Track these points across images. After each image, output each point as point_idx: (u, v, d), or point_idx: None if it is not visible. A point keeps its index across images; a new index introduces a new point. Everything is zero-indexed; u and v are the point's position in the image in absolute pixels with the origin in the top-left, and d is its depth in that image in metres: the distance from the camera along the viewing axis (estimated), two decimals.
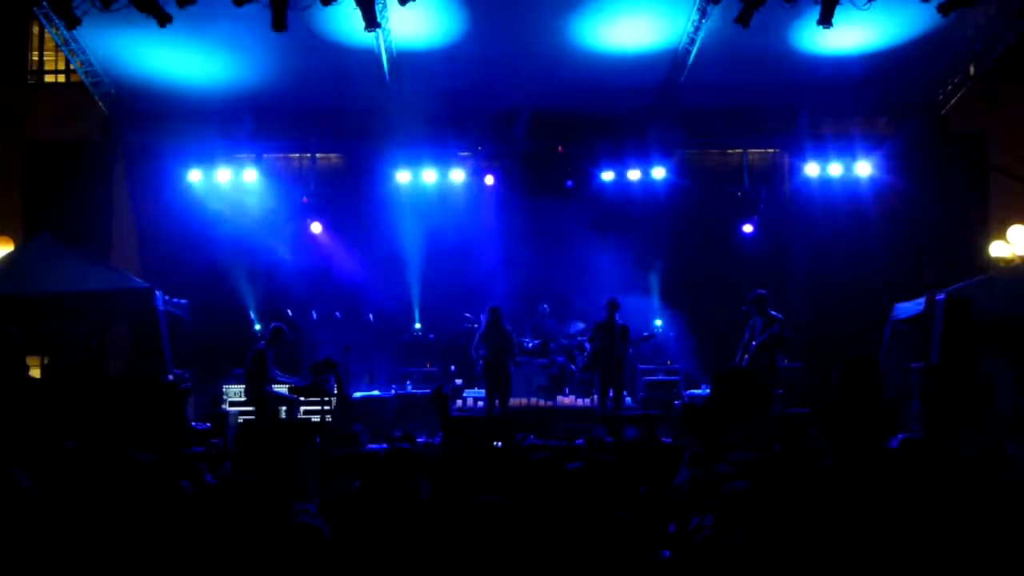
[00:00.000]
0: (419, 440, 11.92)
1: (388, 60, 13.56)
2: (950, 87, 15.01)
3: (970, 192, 15.79)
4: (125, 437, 9.56)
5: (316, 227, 15.63)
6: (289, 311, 14.98)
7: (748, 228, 15.57)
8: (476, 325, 14.13)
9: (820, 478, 4.20)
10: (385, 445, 11.13)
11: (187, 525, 3.59)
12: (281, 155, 16.34)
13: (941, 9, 11.53)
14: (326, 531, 3.56)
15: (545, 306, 15.31)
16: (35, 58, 16.82)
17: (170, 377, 11.94)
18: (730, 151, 16.28)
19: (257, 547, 3.37)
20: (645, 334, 14.01)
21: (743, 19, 11.80)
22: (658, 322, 15.21)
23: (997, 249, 14.93)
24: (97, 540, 3.67)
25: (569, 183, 15.69)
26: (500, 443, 10.99)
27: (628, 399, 13.76)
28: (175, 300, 13.27)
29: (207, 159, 15.52)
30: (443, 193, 15.83)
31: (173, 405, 11.25)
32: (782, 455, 9.53)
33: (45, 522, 3.91)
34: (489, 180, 15.69)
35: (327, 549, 3.49)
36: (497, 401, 13.16)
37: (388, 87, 14.25)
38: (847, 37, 12.80)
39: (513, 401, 13.50)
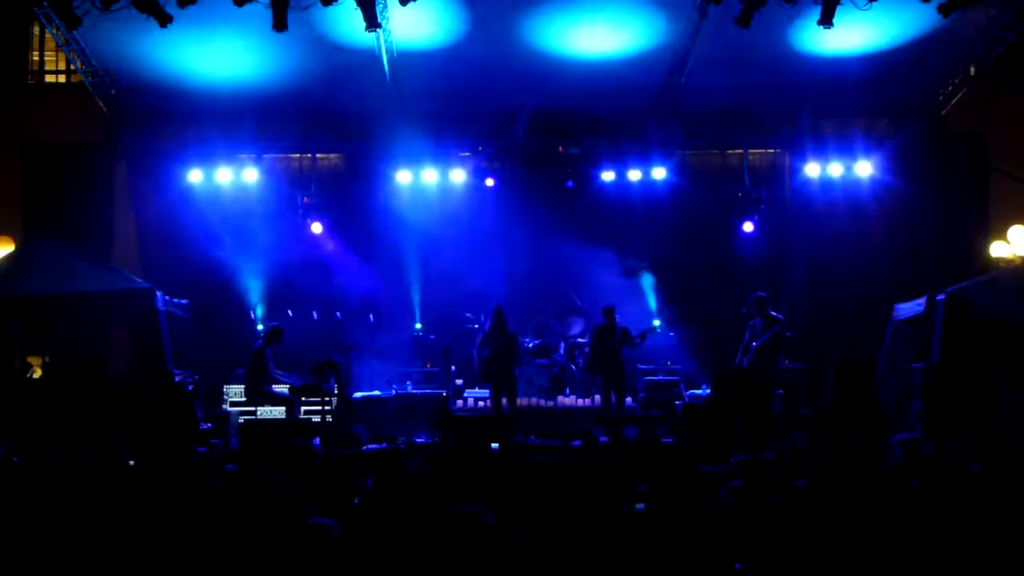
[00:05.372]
0: (419, 440, 11.90)
1: (389, 60, 13.56)
2: (950, 87, 15.00)
3: (971, 193, 15.78)
4: (135, 437, 9.55)
5: (317, 227, 15.60)
6: (289, 311, 14.99)
7: (748, 228, 15.53)
8: (477, 325, 14.09)
9: (818, 480, 4.19)
10: (384, 445, 11.11)
11: (200, 525, 3.59)
12: (281, 155, 16.33)
13: (941, 10, 11.52)
14: (336, 530, 3.56)
15: (545, 306, 15.29)
16: (35, 58, 16.82)
17: (177, 378, 11.94)
18: (730, 151, 16.27)
19: (269, 546, 3.37)
20: (635, 335, 13.83)
21: (743, 19, 11.80)
22: (656, 323, 15.19)
23: (997, 249, 14.93)
24: (109, 540, 3.67)
25: (570, 184, 15.69)
26: (498, 444, 10.96)
27: (628, 399, 13.74)
28: (175, 300, 13.27)
29: (207, 159, 15.51)
30: (443, 193, 15.84)
31: (185, 406, 11.26)
32: (781, 456, 9.54)
33: (54, 522, 3.91)
34: (489, 182, 15.71)
35: (338, 548, 3.50)
36: (505, 400, 13.02)
37: (389, 87, 14.25)
38: (848, 38, 12.80)
39: None
